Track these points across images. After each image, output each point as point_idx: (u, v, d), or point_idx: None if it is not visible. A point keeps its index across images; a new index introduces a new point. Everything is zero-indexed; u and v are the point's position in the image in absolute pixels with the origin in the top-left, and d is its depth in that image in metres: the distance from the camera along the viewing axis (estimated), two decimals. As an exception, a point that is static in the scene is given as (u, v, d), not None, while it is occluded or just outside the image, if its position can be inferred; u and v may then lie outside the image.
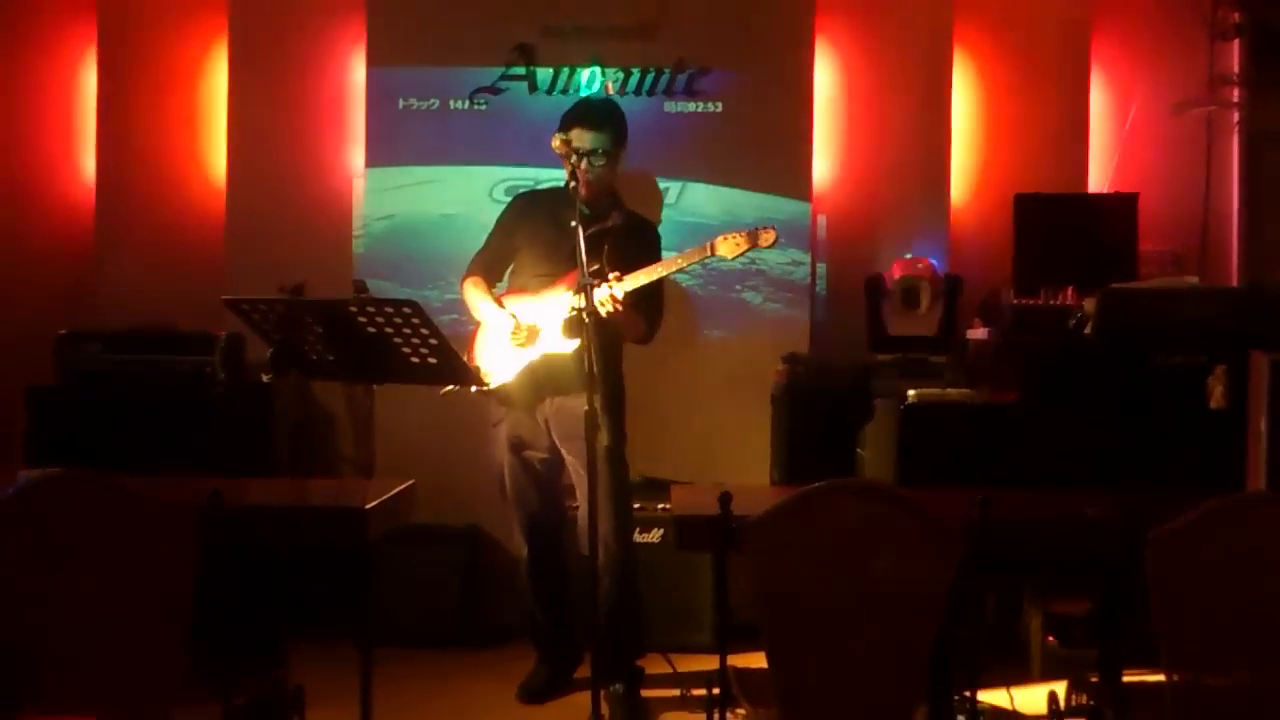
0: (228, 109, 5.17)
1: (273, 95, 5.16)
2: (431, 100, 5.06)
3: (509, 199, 5.01)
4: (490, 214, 5.00)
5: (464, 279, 4.24)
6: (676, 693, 4.17)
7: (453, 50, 5.05)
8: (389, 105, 5.06)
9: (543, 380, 4.00)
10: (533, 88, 5.03)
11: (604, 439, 3.97)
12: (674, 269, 4.04)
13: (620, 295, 3.86)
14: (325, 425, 5.07)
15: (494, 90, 5.05)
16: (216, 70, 5.23)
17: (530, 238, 4.15)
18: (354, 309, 3.32)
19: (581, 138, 4.01)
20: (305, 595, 3.72)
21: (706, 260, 4.07)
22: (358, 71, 5.14)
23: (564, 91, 4.99)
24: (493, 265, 4.24)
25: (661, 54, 5.02)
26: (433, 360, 3.39)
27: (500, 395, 4.08)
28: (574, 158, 3.93)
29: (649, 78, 5.02)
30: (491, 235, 4.28)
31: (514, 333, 3.99)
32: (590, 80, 5.02)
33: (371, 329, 3.33)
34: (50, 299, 5.12)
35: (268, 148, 5.15)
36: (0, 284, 5.13)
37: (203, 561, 2.55)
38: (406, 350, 3.38)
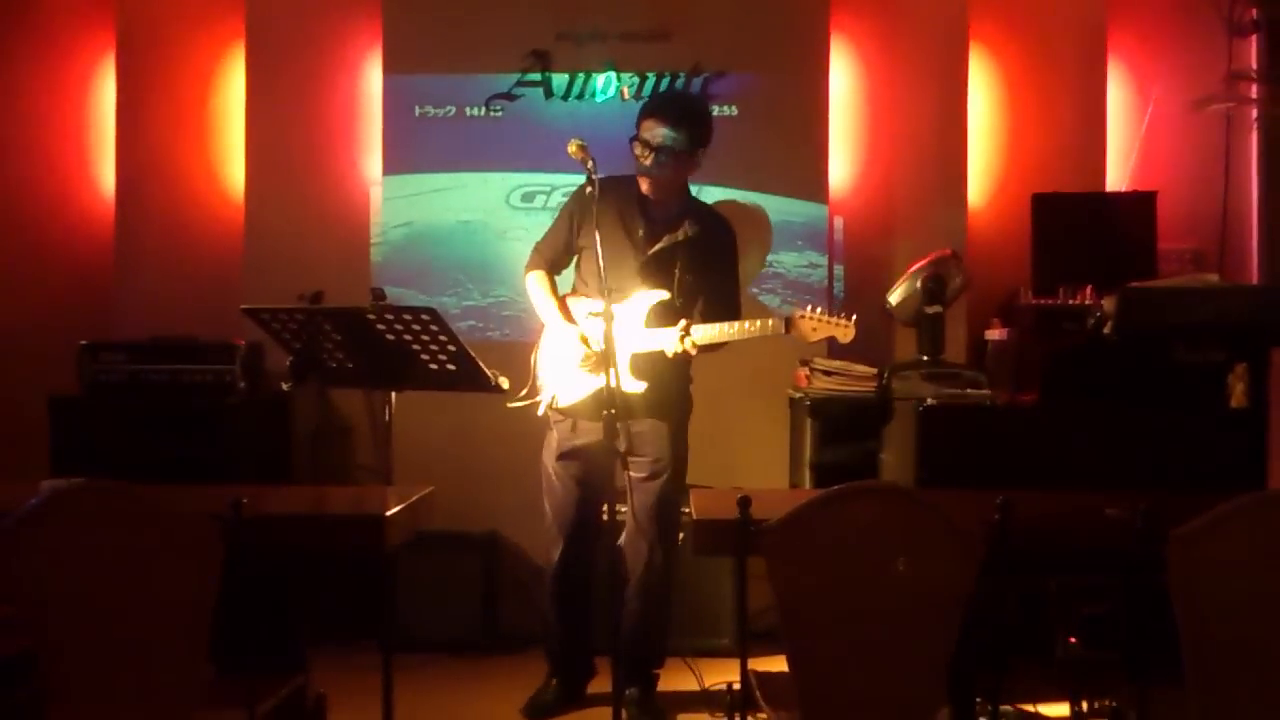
0: (245, 118, 5.19)
1: (290, 104, 5.18)
2: (448, 107, 5.08)
3: (526, 205, 5.03)
4: (507, 220, 5.05)
5: (528, 268, 4.10)
6: (697, 688, 4.18)
7: (468, 57, 5.07)
8: (405, 113, 5.08)
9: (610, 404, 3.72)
10: (548, 94, 5.04)
11: (668, 455, 3.96)
12: (742, 336, 3.82)
13: (690, 348, 3.78)
14: (344, 433, 5.09)
15: (510, 97, 5.06)
16: (233, 80, 5.26)
17: (597, 241, 3.89)
18: (373, 316, 3.33)
19: (653, 131, 3.81)
20: (326, 602, 3.74)
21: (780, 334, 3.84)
22: (374, 79, 5.16)
23: (579, 97, 5.01)
24: (556, 259, 4.07)
25: (677, 58, 5.03)
26: (452, 367, 3.40)
27: (564, 409, 3.97)
28: (640, 149, 3.80)
29: (664, 82, 5.02)
30: (555, 226, 4.09)
31: (584, 359, 3.88)
32: (606, 85, 5.02)
33: (390, 336, 3.34)
34: (71, 309, 5.15)
35: (285, 156, 5.17)
36: (21, 295, 5.17)
37: (224, 570, 2.56)
38: (425, 357, 3.38)
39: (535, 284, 4.07)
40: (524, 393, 3.96)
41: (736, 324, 3.83)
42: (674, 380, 3.98)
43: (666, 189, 3.92)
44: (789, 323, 3.80)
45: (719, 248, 4.01)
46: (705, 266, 3.95)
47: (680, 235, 3.92)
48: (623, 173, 3.93)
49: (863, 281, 5.09)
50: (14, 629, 2.64)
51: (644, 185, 3.89)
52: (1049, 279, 4.75)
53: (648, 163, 3.84)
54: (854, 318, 3.80)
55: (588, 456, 4.00)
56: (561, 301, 4.04)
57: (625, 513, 3.95)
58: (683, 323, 3.81)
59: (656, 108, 3.89)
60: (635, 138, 3.84)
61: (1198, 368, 4.08)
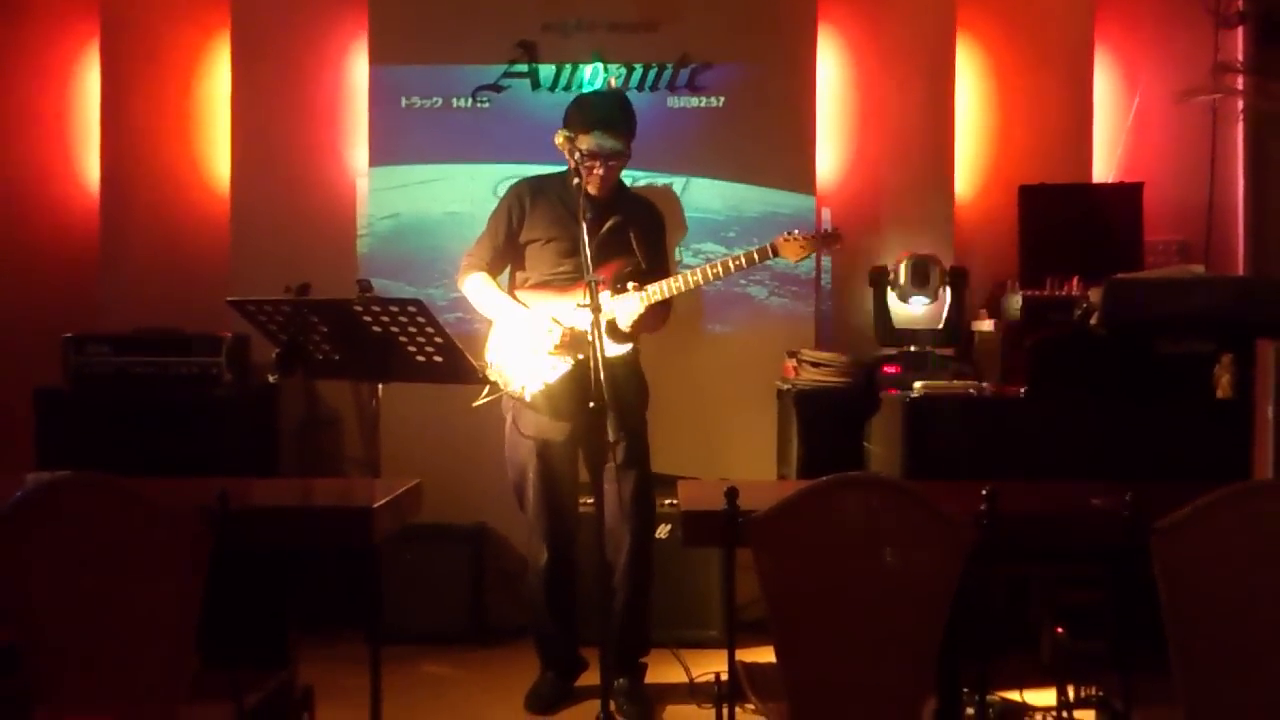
0: (231, 109, 5.17)
1: (275, 95, 5.16)
2: (434, 98, 5.07)
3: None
4: (494, 212, 5.02)
5: (463, 274, 4.13)
6: (684, 679, 4.19)
7: (455, 48, 5.05)
8: (392, 104, 5.06)
9: (586, 388, 3.65)
10: (535, 85, 5.03)
11: (627, 441, 3.98)
12: (729, 271, 3.98)
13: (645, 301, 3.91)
14: (331, 425, 5.08)
15: (496, 88, 5.05)
16: (218, 70, 5.24)
17: (546, 232, 4.04)
18: (359, 308, 3.32)
19: (604, 140, 3.94)
20: (313, 595, 3.73)
21: (767, 261, 4.05)
22: (360, 70, 5.14)
23: (566, 88, 5.00)
24: (494, 260, 4.12)
25: (664, 49, 5.02)
26: (438, 359, 3.40)
27: (534, 402, 3.97)
28: (588, 160, 3.89)
29: (652, 73, 5.02)
30: (493, 227, 4.15)
31: (560, 341, 3.89)
32: (593, 76, 5.01)
33: (377, 328, 3.33)
34: (56, 302, 5.13)
35: (271, 148, 5.15)
36: (5, 287, 5.15)
37: (211, 562, 2.55)
38: (412, 349, 3.38)
39: (481, 284, 4.10)
40: (486, 391, 3.95)
41: (722, 261, 3.98)
42: (634, 364, 4.04)
43: (611, 183, 4.05)
44: (774, 248, 3.99)
45: (655, 225, 4.17)
46: (649, 243, 4.07)
47: (625, 214, 4.02)
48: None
49: (850, 273, 5.09)
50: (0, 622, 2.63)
51: (592, 188, 3.94)
52: (1036, 270, 4.76)
53: (600, 171, 3.95)
54: (838, 231, 4.10)
55: (559, 448, 4.02)
56: (513, 295, 4.08)
57: (591, 503, 3.97)
58: (631, 285, 3.92)
59: (600, 121, 3.96)
60: (580, 148, 3.88)
61: (1184, 359, 4.09)
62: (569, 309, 3.91)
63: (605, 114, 4.01)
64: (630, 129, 4.03)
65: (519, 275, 4.13)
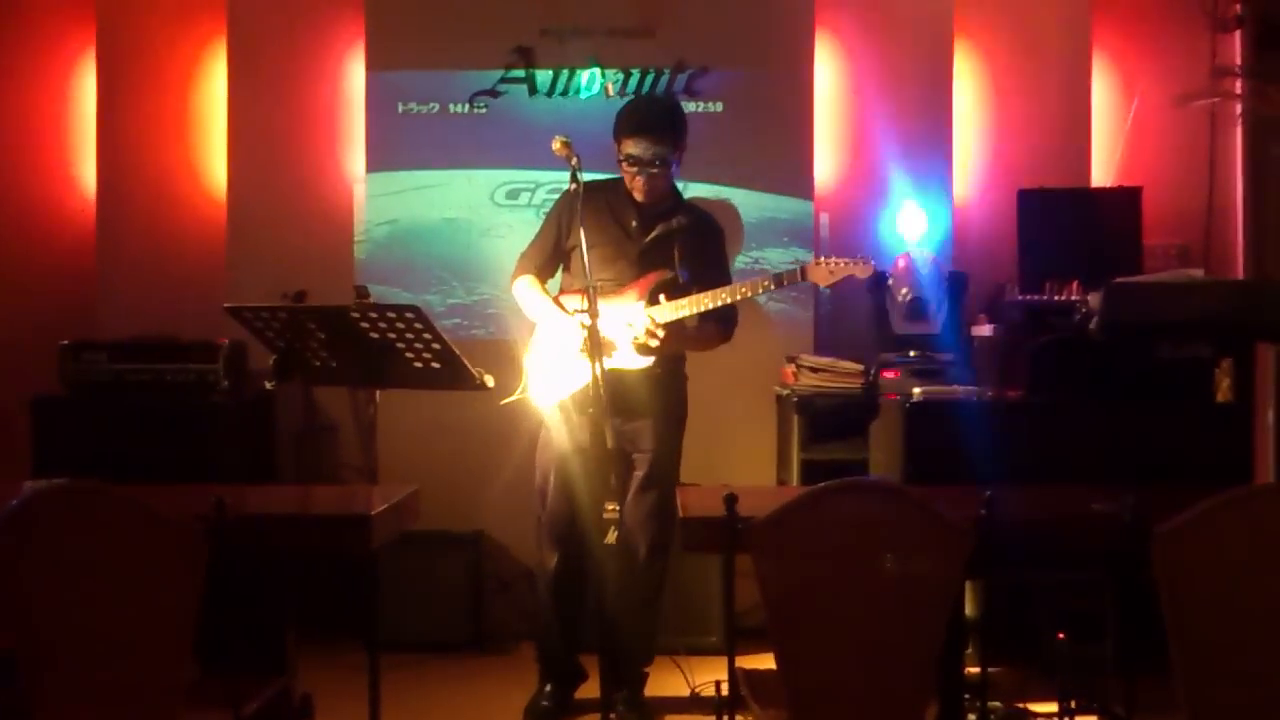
0: (227, 116, 5.17)
1: (272, 101, 5.16)
2: (431, 104, 5.06)
3: (510, 202, 5.01)
4: (492, 218, 5.03)
5: (514, 277, 4.10)
6: (685, 686, 4.17)
7: (451, 54, 5.05)
8: (388, 110, 5.06)
9: (613, 396, 3.63)
10: (532, 90, 5.03)
11: (660, 450, 3.97)
12: (757, 292, 3.94)
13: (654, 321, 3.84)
14: (329, 432, 5.07)
15: (493, 93, 5.05)
16: (215, 77, 5.23)
17: (590, 238, 3.86)
18: (356, 315, 3.31)
19: (640, 148, 3.89)
20: (311, 602, 3.72)
21: (796, 285, 4.04)
22: (357, 76, 5.13)
23: (563, 93, 5.00)
24: (545, 264, 4.09)
25: (661, 54, 5.02)
26: (436, 365, 3.39)
27: (563, 404, 3.94)
28: (629, 166, 3.89)
29: (649, 78, 5.01)
30: (541, 234, 4.12)
31: (583, 346, 3.80)
32: (590, 82, 5.01)
33: (374, 334, 3.32)
34: (53, 309, 5.11)
35: (268, 154, 5.14)
36: (2, 294, 5.13)
37: (209, 570, 2.54)
38: (410, 355, 3.37)
39: (525, 287, 4.08)
40: (520, 389, 3.94)
41: (750, 283, 3.94)
42: (668, 379, 3.99)
43: (658, 191, 3.99)
44: (803, 271, 3.95)
45: (709, 236, 4.09)
46: (699, 254, 4.01)
47: (674, 224, 3.98)
48: (606, 170, 3.98)
49: (848, 278, 5.07)
50: (-3, 630, 2.62)
51: (638, 194, 3.95)
52: (1035, 274, 4.75)
53: (641, 179, 3.92)
54: (869, 259, 3.98)
55: (585, 453, 3.98)
56: (555, 299, 4.05)
57: (613, 510, 3.93)
58: (662, 297, 3.87)
59: (638, 127, 3.92)
60: (621, 155, 3.91)
61: (1183, 362, 4.09)
62: (603, 315, 3.90)
63: (641, 119, 3.96)
64: (670, 136, 3.93)
65: (565, 279, 4.12)
